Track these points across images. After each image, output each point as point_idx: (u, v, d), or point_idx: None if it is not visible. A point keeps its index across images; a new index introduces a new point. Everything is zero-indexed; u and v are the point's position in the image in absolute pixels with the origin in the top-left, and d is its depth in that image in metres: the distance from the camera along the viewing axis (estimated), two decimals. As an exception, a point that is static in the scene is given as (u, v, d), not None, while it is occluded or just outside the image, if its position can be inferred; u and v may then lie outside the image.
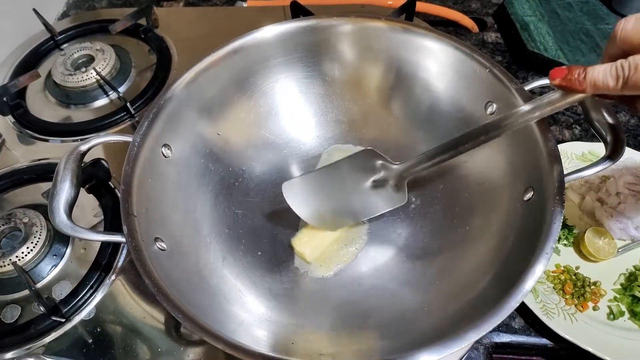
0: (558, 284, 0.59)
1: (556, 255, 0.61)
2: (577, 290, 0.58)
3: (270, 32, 0.60)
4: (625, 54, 0.34)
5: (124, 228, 0.46)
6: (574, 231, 0.63)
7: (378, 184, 0.56)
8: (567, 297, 0.57)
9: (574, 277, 0.59)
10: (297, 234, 0.60)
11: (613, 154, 0.47)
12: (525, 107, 0.44)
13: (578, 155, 0.68)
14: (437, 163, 0.51)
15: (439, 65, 0.59)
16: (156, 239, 0.48)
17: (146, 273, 0.43)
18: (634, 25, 0.34)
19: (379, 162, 0.56)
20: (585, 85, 0.36)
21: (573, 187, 0.67)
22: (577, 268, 0.60)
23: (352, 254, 0.58)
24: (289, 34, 0.61)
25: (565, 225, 0.63)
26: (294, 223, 0.61)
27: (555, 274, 0.59)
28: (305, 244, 0.59)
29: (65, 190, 0.47)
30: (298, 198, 0.58)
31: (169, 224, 0.52)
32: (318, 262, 0.58)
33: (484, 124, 0.47)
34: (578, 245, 0.62)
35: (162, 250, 0.48)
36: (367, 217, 0.59)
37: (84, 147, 0.50)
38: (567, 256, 0.61)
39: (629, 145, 0.67)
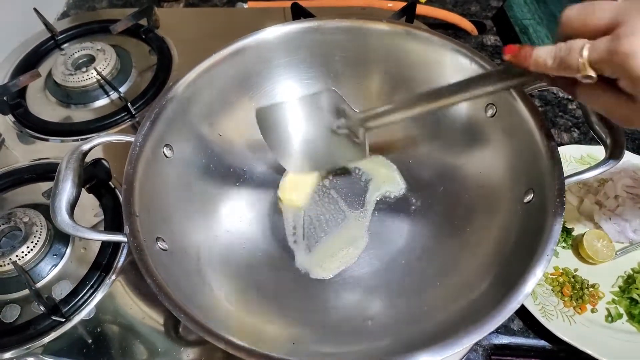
0: (557, 286, 0.59)
1: (555, 258, 0.62)
2: (576, 292, 0.58)
3: (272, 33, 0.61)
4: (566, 39, 0.36)
5: (126, 228, 0.46)
6: (573, 234, 0.63)
7: (340, 132, 0.54)
8: (566, 299, 0.58)
9: (572, 279, 0.59)
10: (280, 185, 0.62)
11: (613, 157, 0.47)
12: (482, 76, 0.44)
13: (577, 159, 0.69)
14: (401, 118, 0.48)
15: (439, 67, 0.59)
16: (157, 239, 0.48)
17: (148, 273, 0.43)
18: (577, 12, 0.35)
19: (341, 106, 0.53)
20: (529, 62, 0.37)
21: (572, 190, 0.67)
22: (576, 270, 0.61)
23: (352, 256, 0.59)
24: (292, 35, 0.61)
25: (563, 228, 0.63)
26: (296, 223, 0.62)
27: (553, 276, 0.60)
28: (290, 190, 0.61)
29: (67, 189, 0.47)
30: (268, 127, 0.58)
31: (171, 224, 0.52)
32: (319, 263, 0.58)
33: (458, 81, 0.45)
34: (577, 248, 0.62)
35: (164, 250, 0.48)
36: (326, 167, 0.59)
37: (86, 147, 0.50)
38: (566, 258, 0.62)
39: (627, 149, 0.68)
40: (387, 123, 0.50)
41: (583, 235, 0.61)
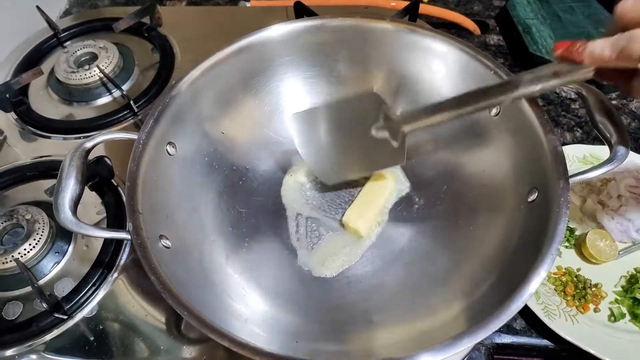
0: (559, 286, 0.59)
1: (557, 257, 0.61)
2: (579, 292, 0.58)
3: (276, 31, 0.61)
4: (624, 30, 0.36)
5: (129, 225, 0.46)
6: (576, 233, 0.63)
7: (379, 136, 0.54)
8: (569, 298, 0.57)
9: (575, 278, 0.59)
10: (347, 212, 0.60)
11: (617, 157, 0.47)
12: (530, 74, 0.43)
13: (580, 158, 0.69)
14: (438, 121, 0.49)
15: (444, 66, 0.59)
16: (161, 237, 0.48)
17: (151, 270, 0.43)
18: (633, 3, 0.36)
19: (381, 107, 0.53)
20: (583, 56, 0.38)
21: (574, 190, 0.67)
22: (579, 270, 0.60)
23: (355, 254, 0.58)
24: (296, 33, 0.61)
25: (566, 228, 0.63)
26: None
27: (556, 276, 0.60)
28: (357, 219, 0.59)
29: (70, 186, 0.47)
30: (303, 135, 0.58)
31: (174, 221, 0.52)
32: (322, 261, 0.58)
33: (486, 86, 0.45)
34: (579, 247, 0.62)
35: (167, 247, 0.48)
36: (362, 174, 0.59)
37: (89, 144, 0.50)
38: (569, 258, 0.62)
39: (630, 149, 0.68)
40: (427, 125, 0.50)
41: (586, 234, 0.61)
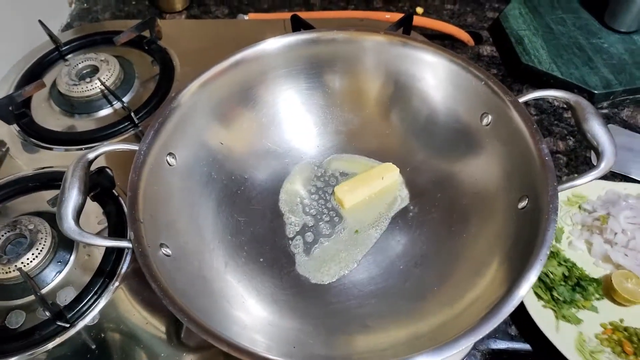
0: (616, 347, 0.54)
1: (595, 314, 0.58)
2: (636, 345, 0.54)
3: (273, 44, 0.62)
4: None
5: (131, 234, 0.47)
6: (600, 281, 0.60)
7: None
8: (631, 358, 0.53)
9: (625, 332, 0.55)
10: (341, 183, 0.65)
11: (604, 163, 0.48)
12: None
13: (564, 201, 0.67)
14: None
15: (436, 77, 0.61)
16: (161, 245, 0.49)
17: (152, 278, 0.44)
18: None
19: None
20: None
21: (574, 235, 0.64)
22: (622, 321, 0.57)
23: (353, 261, 0.59)
24: (292, 46, 0.63)
25: (592, 280, 0.60)
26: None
27: (605, 336, 0.56)
28: (346, 191, 0.64)
29: (73, 197, 0.48)
30: None
31: (174, 230, 0.53)
32: (319, 268, 0.59)
33: None
34: (609, 295, 0.59)
35: (167, 256, 0.49)
36: None
37: (91, 155, 0.51)
38: (606, 310, 0.58)
39: (607, 178, 0.67)
40: None
41: (610, 280, 0.58)
